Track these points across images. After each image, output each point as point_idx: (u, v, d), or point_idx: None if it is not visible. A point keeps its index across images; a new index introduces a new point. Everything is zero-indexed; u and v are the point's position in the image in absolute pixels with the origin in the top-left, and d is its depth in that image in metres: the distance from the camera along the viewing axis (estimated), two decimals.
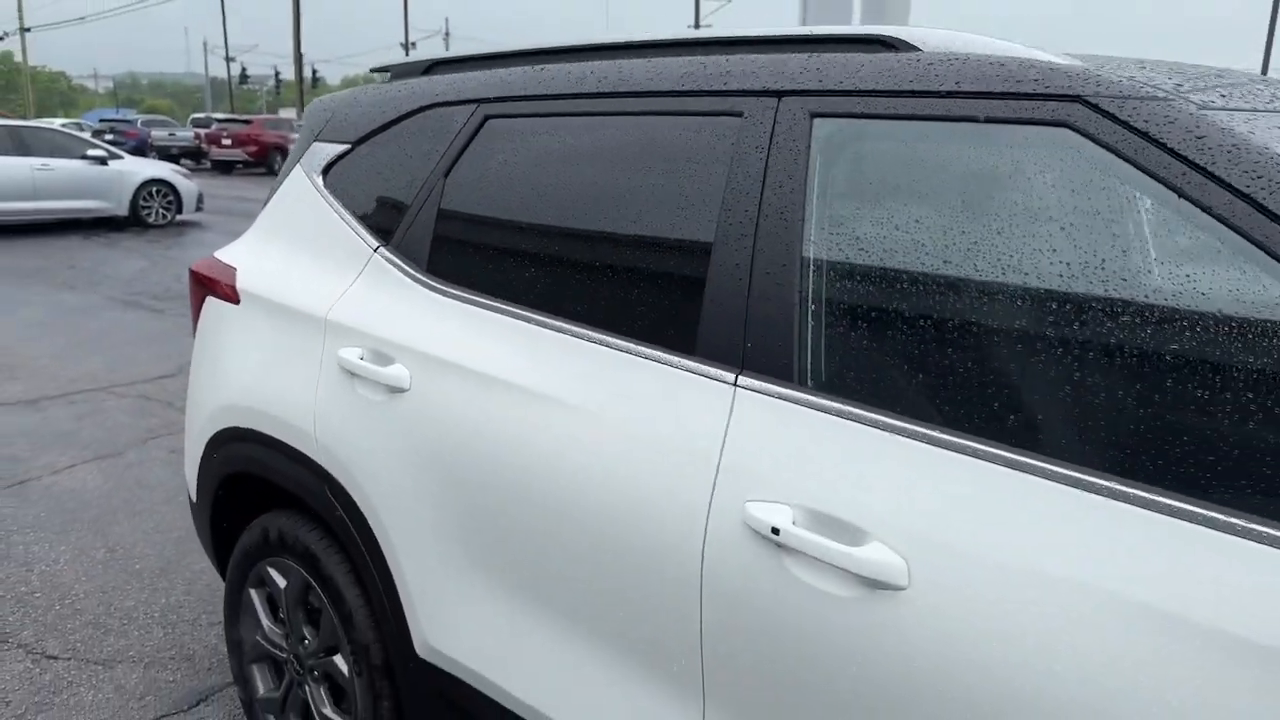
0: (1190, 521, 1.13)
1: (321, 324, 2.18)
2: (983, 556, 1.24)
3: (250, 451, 2.34)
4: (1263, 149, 1.18)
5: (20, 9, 57.73)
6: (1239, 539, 1.10)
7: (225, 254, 2.61)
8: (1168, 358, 1.19)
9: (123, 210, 14.41)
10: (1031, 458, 1.25)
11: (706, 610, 1.49)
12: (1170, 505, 1.15)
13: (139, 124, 33.09)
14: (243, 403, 2.35)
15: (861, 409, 1.40)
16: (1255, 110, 1.30)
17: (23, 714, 2.76)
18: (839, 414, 1.42)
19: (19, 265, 10.86)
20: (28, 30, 59.56)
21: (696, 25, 25.81)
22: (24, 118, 34.26)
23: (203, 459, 2.51)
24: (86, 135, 16.71)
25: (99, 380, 6.20)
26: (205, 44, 67.30)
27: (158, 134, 31.47)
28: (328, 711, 2.29)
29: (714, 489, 1.49)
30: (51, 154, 13.75)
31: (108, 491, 4.37)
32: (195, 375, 2.57)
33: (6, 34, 59.46)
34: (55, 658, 3.05)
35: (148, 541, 3.86)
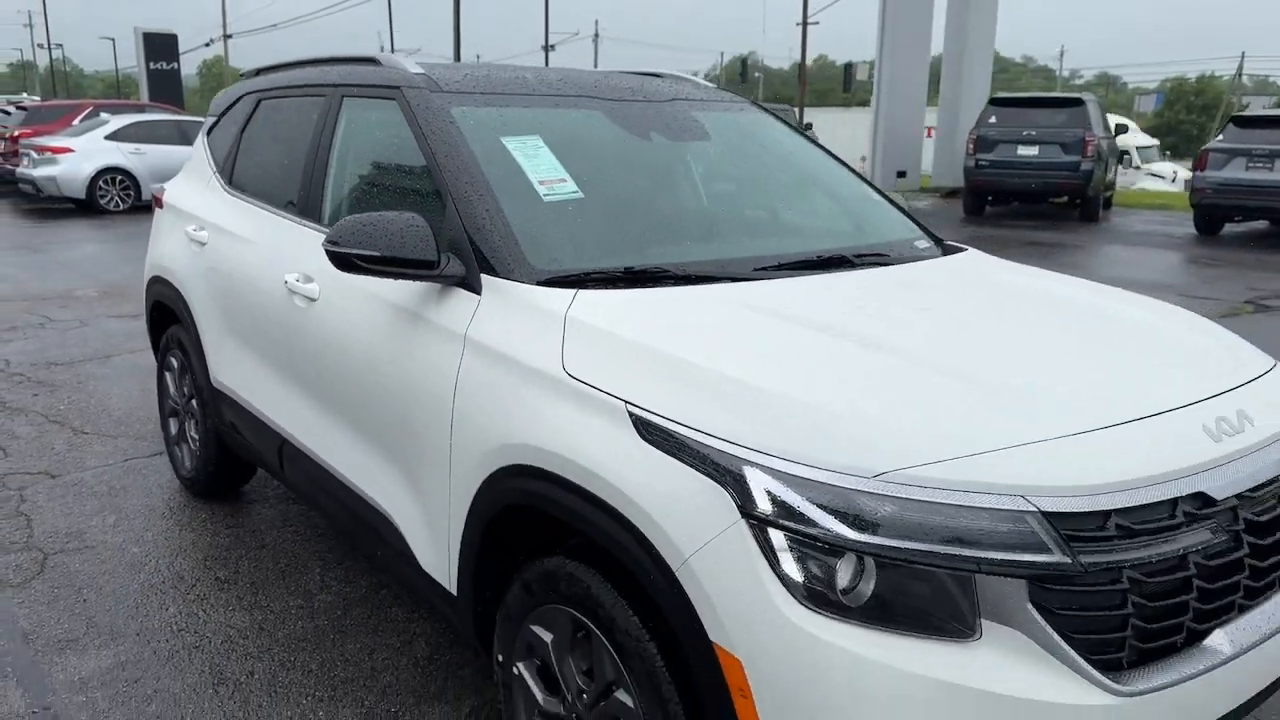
0: None
1: (185, 215, 4.01)
2: (338, 281, 2.89)
3: (160, 288, 4.20)
4: (438, 111, 2.78)
5: (224, 17, 63.95)
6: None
7: (168, 183, 4.49)
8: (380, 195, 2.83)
9: None
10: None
11: (278, 331, 3.20)
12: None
13: None
14: (157, 262, 4.21)
15: (324, 228, 3.07)
16: (463, 93, 2.89)
17: (59, 452, 4.74)
18: (315, 229, 3.09)
19: None
20: (230, 37, 65.88)
21: (804, 22, 26.99)
22: None
23: (146, 297, 4.40)
24: None
25: None
26: (381, 48, 73.24)
27: None
28: (192, 432, 4.13)
29: (285, 270, 3.19)
30: None
31: None
32: (147, 253, 4.46)
33: (213, 40, 65.94)
34: (86, 433, 5.03)
35: None
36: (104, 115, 17.17)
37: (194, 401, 4.04)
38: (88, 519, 3.99)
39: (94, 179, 15.58)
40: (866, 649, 1.63)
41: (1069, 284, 2.81)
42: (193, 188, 4.11)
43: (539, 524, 2.20)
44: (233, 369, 3.61)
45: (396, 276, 2.44)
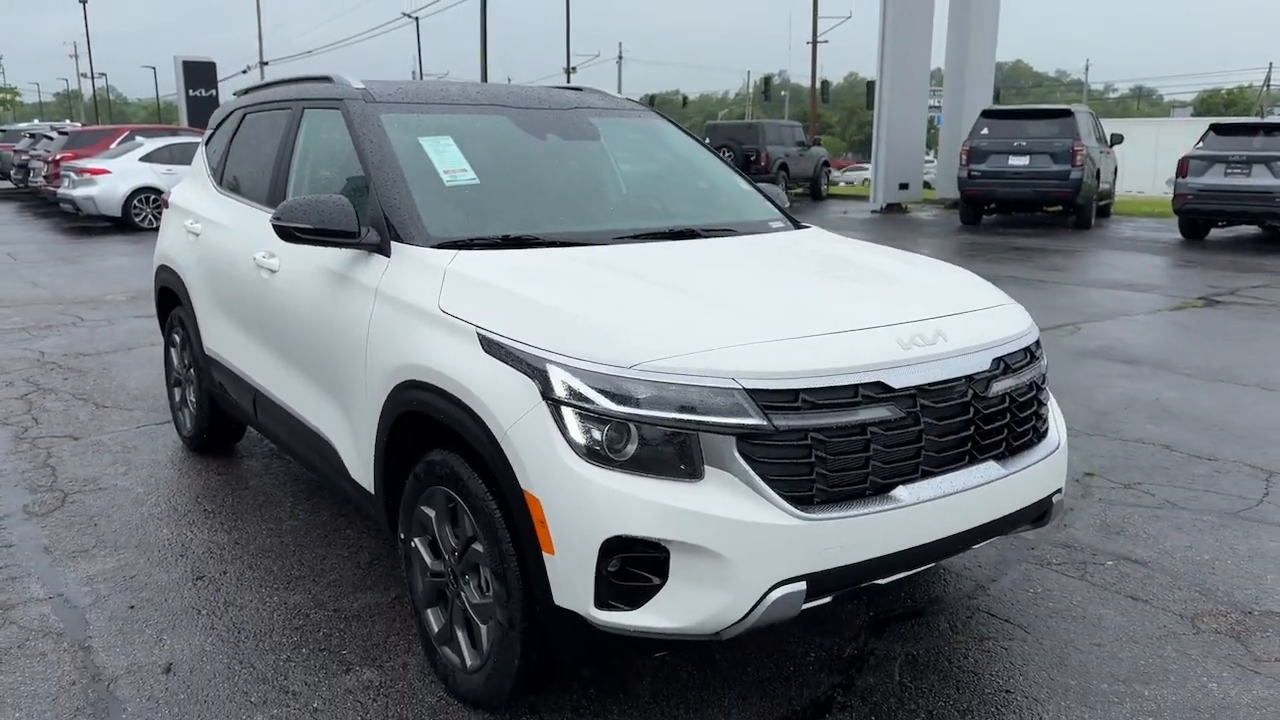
0: None
1: (184, 212, 4.75)
2: (292, 255, 3.59)
3: (164, 275, 4.94)
4: (369, 117, 3.47)
5: (260, 44, 65.88)
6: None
7: (174, 187, 5.24)
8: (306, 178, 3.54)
9: None
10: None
11: (250, 299, 3.91)
12: None
13: None
14: (163, 253, 4.96)
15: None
16: (392, 103, 3.58)
17: (82, 421, 5.49)
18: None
19: None
20: (266, 64, 67.83)
21: (814, 38, 27.69)
22: None
23: (154, 284, 5.15)
24: None
25: None
26: (413, 74, 75.00)
27: None
28: (190, 397, 4.86)
29: (253, 249, 3.90)
30: None
31: None
32: (155, 246, 5.21)
33: (250, 67, 67.90)
34: (106, 407, 5.79)
35: None
36: (139, 139, 18.20)
37: (191, 370, 4.77)
38: (103, 469, 4.72)
39: (129, 198, 16.57)
40: (625, 487, 2.28)
41: (870, 250, 3.45)
42: (192, 190, 4.86)
43: (425, 427, 2.87)
44: (218, 336, 4.33)
45: (327, 244, 3.13)
